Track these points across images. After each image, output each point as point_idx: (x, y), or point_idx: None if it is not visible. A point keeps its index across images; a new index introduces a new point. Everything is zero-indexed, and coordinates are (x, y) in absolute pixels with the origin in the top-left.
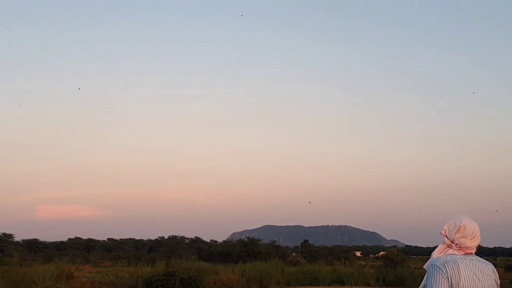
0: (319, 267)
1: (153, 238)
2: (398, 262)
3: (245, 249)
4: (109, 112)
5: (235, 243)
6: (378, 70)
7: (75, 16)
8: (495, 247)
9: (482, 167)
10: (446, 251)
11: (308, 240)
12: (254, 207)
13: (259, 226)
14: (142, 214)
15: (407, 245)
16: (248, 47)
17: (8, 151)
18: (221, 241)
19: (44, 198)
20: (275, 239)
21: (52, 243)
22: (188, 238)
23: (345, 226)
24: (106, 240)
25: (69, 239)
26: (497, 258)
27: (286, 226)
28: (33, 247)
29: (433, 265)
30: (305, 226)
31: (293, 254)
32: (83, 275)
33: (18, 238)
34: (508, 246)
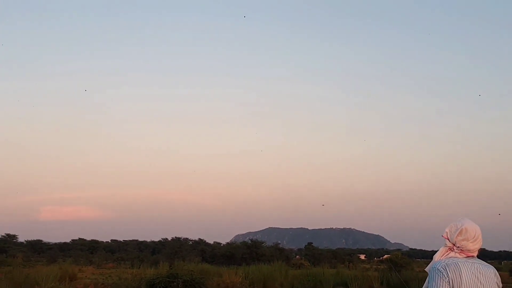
0: (323, 270)
1: (156, 239)
2: (403, 265)
3: (248, 251)
4: (109, 112)
5: (238, 245)
6: (378, 70)
7: (75, 16)
8: (500, 251)
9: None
10: (448, 254)
11: (312, 243)
12: (258, 209)
13: (263, 228)
14: (145, 215)
15: (411, 248)
16: (248, 47)
17: (8, 151)
18: (225, 243)
19: (48, 199)
20: (279, 242)
21: (55, 244)
22: (192, 240)
23: (349, 228)
24: (110, 241)
25: (72, 240)
26: (502, 262)
27: (290, 228)
28: (37, 248)
29: (434, 268)
30: (309, 228)
31: (297, 256)
32: (86, 276)
33: (21, 239)
34: None
